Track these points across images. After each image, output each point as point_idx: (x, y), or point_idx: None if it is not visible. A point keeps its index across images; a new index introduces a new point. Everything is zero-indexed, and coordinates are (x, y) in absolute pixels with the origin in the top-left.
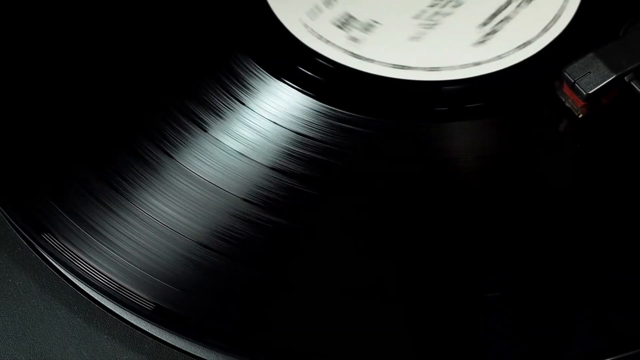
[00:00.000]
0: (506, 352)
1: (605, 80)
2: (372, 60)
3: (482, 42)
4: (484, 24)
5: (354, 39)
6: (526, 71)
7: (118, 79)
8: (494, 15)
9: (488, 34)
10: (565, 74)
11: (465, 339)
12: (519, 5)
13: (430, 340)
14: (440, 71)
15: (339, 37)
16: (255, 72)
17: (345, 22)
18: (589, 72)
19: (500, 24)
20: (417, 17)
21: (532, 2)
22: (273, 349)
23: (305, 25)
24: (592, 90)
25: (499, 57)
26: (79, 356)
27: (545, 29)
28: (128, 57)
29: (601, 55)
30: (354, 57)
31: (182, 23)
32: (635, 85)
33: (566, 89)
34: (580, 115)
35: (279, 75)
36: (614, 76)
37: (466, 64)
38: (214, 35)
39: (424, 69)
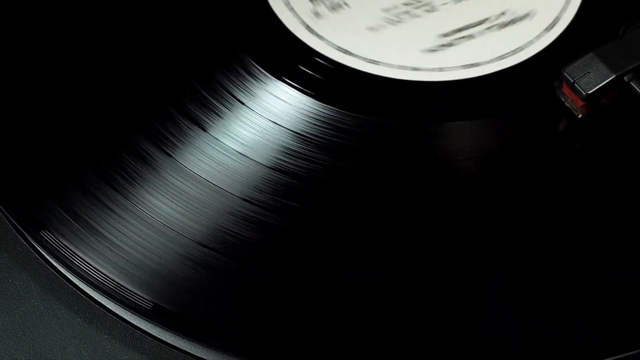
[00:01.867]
0: (506, 352)
1: (604, 80)
2: (321, 38)
3: (432, 50)
4: (445, 35)
5: (317, 14)
6: (526, 71)
7: (117, 78)
8: (459, 30)
9: (443, 45)
10: (565, 73)
11: (465, 339)
12: (489, 28)
13: (430, 340)
14: (377, 65)
15: (305, 8)
16: (254, 72)
17: None
18: (589, 72)
19: (460, 40)
20: (386, 10)
21: (506, 28)
22: (272, 348)
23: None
24: (591, 90)
25: (440, 69)
26: (79, 356)
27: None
28: (127, 56)
29: (601, 55)
30: (308, 30)
31: (181, 22)
32: (634, 85)
33: (566, 89)
34: (580, 115)
35: (279, 75)
36: (614, 76)
37: (404, 66)
38: (212, 34)
39: (364, 59)
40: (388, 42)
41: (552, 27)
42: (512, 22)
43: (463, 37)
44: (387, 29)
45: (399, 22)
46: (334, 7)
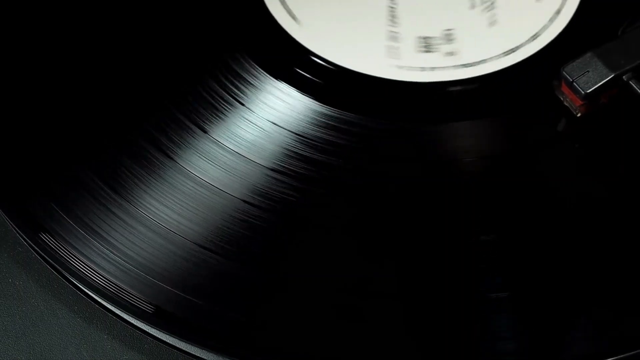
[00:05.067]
0: (506, 352)
1: (603, 80)
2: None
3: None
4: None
5: None
6: (525, 71)
7: (117, 79)
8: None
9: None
10: (564, 73)
11: (465, 339)
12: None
13: (430, 340)
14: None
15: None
16: (254, 73)
17: None
18: (588, 71)
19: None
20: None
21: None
22: (272, 349)
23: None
24: (590, 90)
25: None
26: (79, 356)
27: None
28: (127, 57)
29: (600, 54)
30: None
31: (181, 23)
32: (633, 85)
33: (564, 88)
34: (579, 114)
35: (278, 76)
36: (613, 75)
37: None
38: (212, 35)
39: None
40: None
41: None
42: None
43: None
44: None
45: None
46: None
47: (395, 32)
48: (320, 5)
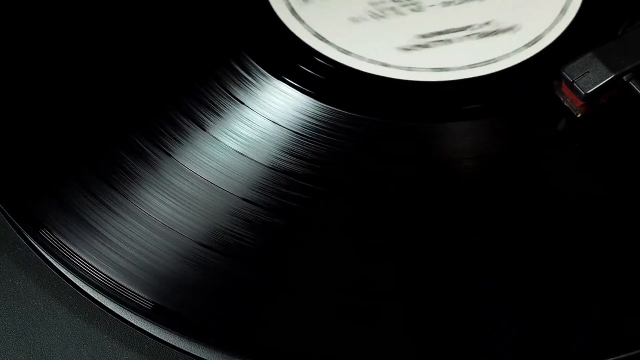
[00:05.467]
0: (506, 352)
1: (603, 80)
2: (302, 22)
3: (407, 49)
4: (424, 36)
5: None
6: (524, 71)
7: (116, 77)
8: (439, 33)
9: (419, 46)
10: (564, 73)
11: (465, 339)
12: (469, 36)
13: (430, 341)
14: (348, 56)
15: None
16: (254, 71)
17: None
18: (588, 72)
19: (437, 43)
20: (372, 3)
21: (487, 38)
22: (272, 349)
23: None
24: (590, 90)
25: (409, 68)
26: (79, 356)
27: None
28: (127, 56)
29: (600, 54)
30: (292, 14)
31: (181, 21)
32: (633, 85)
33: (565, 89)
34: (579, 115)
35: (279, 74)
36: (613, 75)
37: (374, 61)
38: (212, 33)
39: (338, 48)
40: (364, 34)
41: (532, 43)
42: (494, 33)
43: (441, 40)
44: (368, 22)
45: (382, 17)
46: None
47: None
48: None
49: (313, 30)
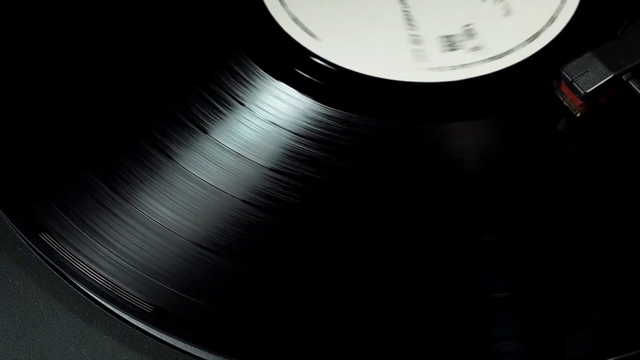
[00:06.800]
0: (506, 352)
1: (603, 79)
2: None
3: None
4: (424, 37)
5: None
6: (525, 71)
7: (117, 78)
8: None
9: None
10: (564, 72)
11: (465, 339)
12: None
13: (430, 340)
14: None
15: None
16: (254, 73)
17: None
18: (587, 71)
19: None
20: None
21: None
22: (271, 349)
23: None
24: (590, 89)
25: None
26: (79, 356)
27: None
28: (127, 57)
29: (599, 54)
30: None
31: (181, 23)
32: (633, 84)
33: (564, 88)
34: (578, 114)
35: (279, 76)
36: (612, 75)
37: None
38: (213, 35)
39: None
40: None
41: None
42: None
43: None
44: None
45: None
46: None
47: (416, 35)
48: (323, 6)
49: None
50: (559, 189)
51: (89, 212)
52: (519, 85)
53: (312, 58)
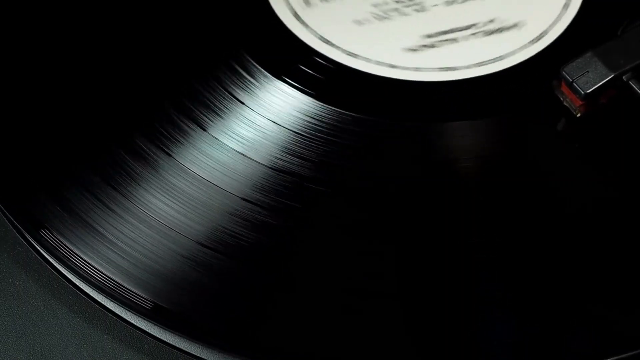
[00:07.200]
0: (506, 352)
1: (603, 80)
2: (306, 26)
3: (413, 50)
4: (429, 36)
5: (307, 2)
6: (525, 71)
7: (117, 77)
8: (445, 32)
9: (425, 46)
10: (564, 72)
11: (465, 339)
12: (474, 34)
13: (430, 341)
14: (356, 58)
15: None
16: (254, 71)
17: None
18: (587, 71)
19: (442, 42)
20: (375, 5)
21: (492, 36)
22: (272, 348)
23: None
24: (590, 90)
25: (417, 69)
26: (79, 356)
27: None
28: (127, 56)
29: (599, 54)
30: (295, 17)
31: (181, 21)
32: (633, 85)
33: (564, 88)
34: (579, 115)
35: (279, 74)
36: (612, 75)
37: (381, 62)
38: (212, 33)
39: (344, 51)
40: (371, 37)
41: (538, 39)
42: (499, 30)
43: (446, 40)
44: (373, 24)
45: (386, 18)
46: None
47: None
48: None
49: (317, 34)
50: (559, 189)
51: (89, 209)
52: (519, 85)
53: (312, 56)
